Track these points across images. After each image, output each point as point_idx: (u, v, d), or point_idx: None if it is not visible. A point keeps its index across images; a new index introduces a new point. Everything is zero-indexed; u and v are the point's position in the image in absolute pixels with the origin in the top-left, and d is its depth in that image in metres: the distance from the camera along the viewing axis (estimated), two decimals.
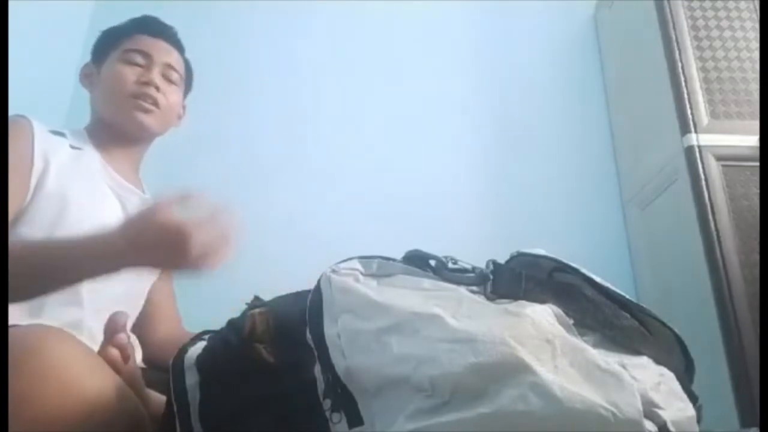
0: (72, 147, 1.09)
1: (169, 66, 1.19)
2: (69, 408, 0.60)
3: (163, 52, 1.19)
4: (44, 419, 0.58)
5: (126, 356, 0.74)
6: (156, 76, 1.16)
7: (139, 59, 1.16)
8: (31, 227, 0.96)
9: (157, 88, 1.15)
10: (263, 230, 1.97)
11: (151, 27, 1.21)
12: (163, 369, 0.72)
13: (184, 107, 1.28)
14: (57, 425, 0.59)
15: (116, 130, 1.17)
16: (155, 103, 1.15)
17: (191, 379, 0.63)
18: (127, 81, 1.14)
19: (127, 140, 1.19)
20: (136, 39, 1.18)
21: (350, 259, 0.66)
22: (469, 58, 2.29)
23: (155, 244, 0.74)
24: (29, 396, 0.58)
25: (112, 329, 0.75)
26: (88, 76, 1.21)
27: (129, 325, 1.02)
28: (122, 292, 1.07)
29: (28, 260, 0.79)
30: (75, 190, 1.03)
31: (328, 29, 2.28)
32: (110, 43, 1.19)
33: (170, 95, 1.19)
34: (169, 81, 1.19)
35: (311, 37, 2.27)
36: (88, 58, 1.25)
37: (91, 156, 1.13)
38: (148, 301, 1.19)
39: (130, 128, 1.16)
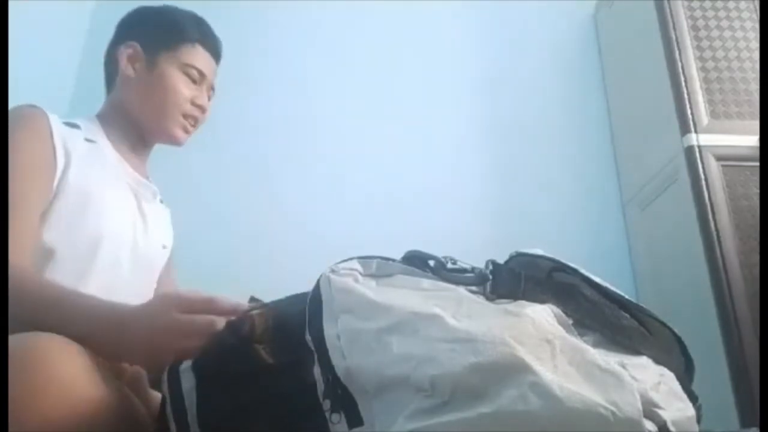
0: (87, 140, 1.06)
1: (212, 85, 1.20)
2: (71, 418, 0.60)
3: (213, 72, 1.19)
4: (47, 424, 0.58)
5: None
6: (207, 99, 1.17)
7: (196, 75, 1.14)
8: (57, 223, 0.94)
9: (204, 111, 1.16)
10: (263, 230, 1.98)
11: (210, 42, 1.19)
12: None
13: None
14: (60, 430, 0.59)
15: (144, 130, 1.15)
16: (196, 123, 1.17)
17: (187, 383, 0.63)
18: (184, 96, 1.12)
19: (149, 142, 1.18)
20: (198, 53, 1.15)
21: (349, 259, 0.66)
22: (470, 58, 2.29)
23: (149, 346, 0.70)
24: (33, 399, 0.58)
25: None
26: (132, 59, 1.13)
27: None
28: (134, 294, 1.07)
29: (26, 298, 0.77)
30: (95, 186, 1.01)
31: (331, 30, 2.28)
32: (169, 41, 1.14)
33: (208, 112, 1.19)
34: (209, 99, 1.20)
35: (314, 38, 2.27)
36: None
37: (106, 149, 1.09)
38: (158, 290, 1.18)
39: (162, 137, 1.16)
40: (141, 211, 1.11)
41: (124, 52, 1.13)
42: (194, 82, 1.14)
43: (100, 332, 0.71)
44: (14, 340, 0.62)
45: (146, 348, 0.70)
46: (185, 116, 1.14)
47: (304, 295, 0.64)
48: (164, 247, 1.18)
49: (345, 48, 2.26)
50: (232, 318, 0.67)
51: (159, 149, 1.24)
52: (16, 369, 0.59)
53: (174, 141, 1.16)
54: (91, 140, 1.07)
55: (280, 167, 2.08)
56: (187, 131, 1.15)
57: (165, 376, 0.64)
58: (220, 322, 0.67)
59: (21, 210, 0.89)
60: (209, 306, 0.69)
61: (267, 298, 0.72)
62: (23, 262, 0.85)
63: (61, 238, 0.94)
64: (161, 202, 1.22)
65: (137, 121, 1.13)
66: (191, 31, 1.16)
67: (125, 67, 1.12)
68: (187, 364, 0.64)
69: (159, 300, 0.73)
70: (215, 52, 1.20)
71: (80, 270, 0.96)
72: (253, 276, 1.76)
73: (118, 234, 1.04)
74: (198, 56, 1.15)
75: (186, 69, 1.13)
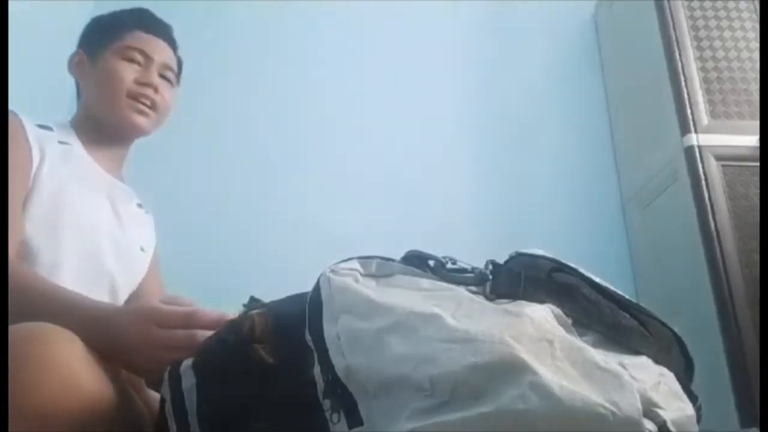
0: (60, 142, 1.07)
1: (166, 65, 1.18)
2: (71, 403, 0.60)
3: (161, 51, 1.18)
4: (47, 411, 0.58)
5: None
6: (154, 76, 1.15)
7: (139, 57, 1.14)
8: (32, 217, 0.96)
9: (156, 90, 1.14)
10: (263, 230, 1.98)
11: (150, 24, 1.19)
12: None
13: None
14: (59, 419, 0.59)
15: (107, 126, 1.15)
16: (153, 106, 1.14)
17: (188, 382, 0.63)
18: (126, 79, 1.12)
19: (116, 138, 1.17)
20: (136, 36, 1.16)
21: (349, 259, 0.66)
22: (470, 58, 2.29)
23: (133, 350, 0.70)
24: (34, 386, 0.58)
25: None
26: (80, 65, 1.17)
27: None
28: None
29: (22, 294, 0.78)
30: (68, 189, 1.02)
31: (330, 28, 2.28)
32: (107, 35, 1.16)
33: (166, 95, 1.17)
34: (165, 80, 1.18)
35: (311, 37, 2.27)
36: None
37: (79, 152, 1.11)
38: (141, 294, 1.18)
39: (123, 128, 1.15)
40: (115, 212, 1.12)
41: (73, 61, 1.18)
42: (138, 64, 1.14)
43: (87, 330, 0.69)
44: (14, 330, 0.62)
45: (125, 357, 0.70)
46: (134, 98, 1.12)
47: (303, 295, 0.64)
48: (142, 249, 1.18)
49: (343, 47, 2.26)
50: (233, 318, 0.67)
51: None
52: (16, 359, 0.59)
53: (134, 127, 1.14)
54: (65, 142, 1.09)
55: (277, 168, 2.08)
56: (142, 113, 1.13)
57: (166, 375, 0.64)
58: (201, 336, 0.67)
59: (6, 207, 0.91)
60: (189, 321, 0.68)
61: (266, 298, 0.72)
62: (11, 257, 0.86)
63: (35, 232, 0.95)
64: (140, 206, 1.22)
65: (99, 119, 1.14)
66: (127, 20, 1.17)
67: (73, 74, 1.18)
68: (187, 363, 0.64)
69: (136, 313, 0.71)
70: (160, 34, 1.19)
71: (54, 262, 0.97)
72: (253, 275, 1.76)
73: (94, 227, 1.05)
74: (137, 39, 1.15)
75: (125, 53, 1.13)
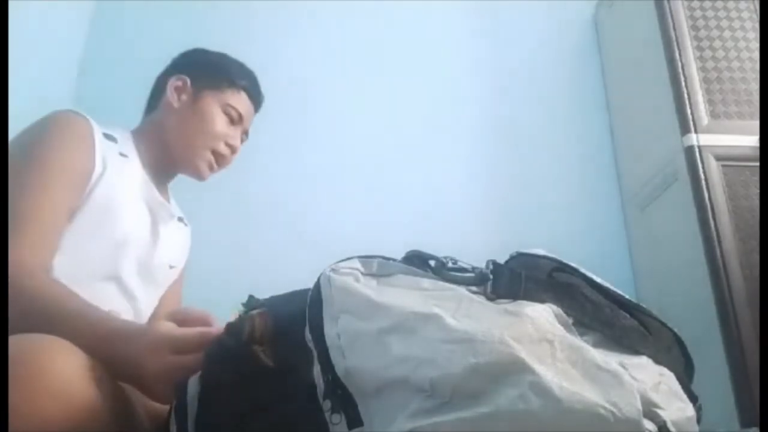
0: (120, 154, 1.08)
1: (247, 131, 1.24)
2: (70, 419, 0.60)
3: (250, 121, 1.23)
4: (42, 425, 0.58)
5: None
6: (239, 141, 1.20)
7: (235, 118, 1.18)
8: (77, 228, 0.96)
9: (234, 152, 1.19)
10: (263, 230, 1.98)
11: (255, 95, 1.23)
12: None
13: None
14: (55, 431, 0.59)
15: (173, 158, 1.17)
16: (223, 165, 1.19)
17: (192, 390, 0.63)
18: (219, 132, 1.15)
19: (175, 169, 1.21)
20: (241, 98, 1.19)
21: (350, 258, 0.66)
22: (470, 58, 2.29)
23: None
24: (31, 406, 0.58)
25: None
26: (180, 89, 1.18)
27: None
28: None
29: (37, 305, 0.78)
30: (117, 200, 1.03)
31: (329, 29, 2.28)
32: (217, 81, 1.18)
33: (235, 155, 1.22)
34: (241, 141, 1.23)
35: (313, 37, 2.27)
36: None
37: (135, 167, 1.12)
38: (160, 305, 1.19)
39: (188, 169, 1.18)
40: (154, 230, 1.13)
41: (174, 83, 1.18)
42: (232, 122, 1.18)
43: (105, 351, 0.70)
44: (14, 342, 0.62)
45: (142, 383, 0.71)
46: (214, 152, 1.16)
47: (302, 292, 0.64)
48: (171, 267, 1.20)
49: (346, 48, 2.26)
50: (234, 321, 0.67)
51: None
52: (16, 370, 0.59)
53: (197, 174, 1.18)
54: (124, 155, 1.09)
55: (279, 167, 2.07)
56: (212, 168, 1.18)
57: (173, 386, 0.64)
58: None
59: (38, 217, 0.90)
60: (203, 343, 0.69)
61: (266, 296, 0.72)
62: (40, 261, 0.87)
63: (76, 243, 0.95)
64: (180, 220, 1.24)
65: (169, 146, 1.16)
66: (240, 78, 1.21)
67: (171, 95, 1.17)
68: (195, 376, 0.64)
69: (151, 342, 0.71)
70: (257, 103, 1.24)
71: (84, 275, 0.96)
72: (253, 275, 1.76)
73: (128, 245, 1.06)
74: (241, 101, 1.20)
75: (227, 109, 1.17)
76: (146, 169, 1.14)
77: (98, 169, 1.00)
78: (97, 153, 1.01)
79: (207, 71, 1.20)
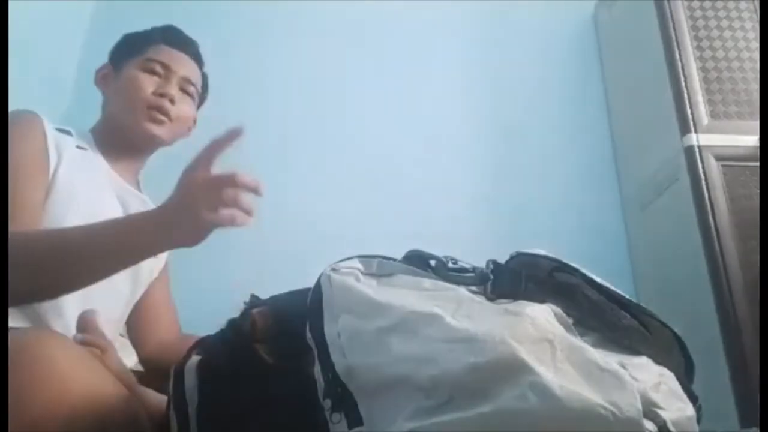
0: (78, 147, 1.09)
1: (187, 79, 1.20)
2: (68, 410, 0.60)
3: (182, 65, 1.20)
4: (43, 421, 0.59)
5: (101, 349, 0.78)
6: (173, 88, 1.17)
7: (159, 69, 1.17)
8: (47, 221, 0.97)
9: (172, 101, 1.16)
10: (263, 229, 1.97)
11: (174, 39, 1.22)
12: (160, 375, 0.73)
13: (195, 120, 1.28)
14: (56, 427, 0.59)
15: (125, 135, 1.17)
16: (168, 115, 1.16)
17: (190, 382, 0.63)
18: (145, 89, 1.14)
19: (134, 147, 1.19)
20: (160, 49, 1.19)
21: (350, 258, 0.66)
22: (469, 58, 2.29)
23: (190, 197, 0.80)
24: (29, 398, 0.59)
25: (81, 328, 0.79)
26: (105, 77, 1.21)
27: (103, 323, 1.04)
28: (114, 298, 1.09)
29: (62, 248, 0.82)
30: (81, 189, 1.04)
31: (330, 29, 2.28)
32: (133, 49, 1.19)
33: (184, 108, 1.19)
34: (185, 93, 1.20)
35: (312, 36, 2.27)
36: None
37: (97, 158, 1.13)
38: (146, 307, 1.19)
39: (139, 136, 1.17)
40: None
41: (100, 74, 1.22)
42: (159, 76, 1.16)
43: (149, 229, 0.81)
44: (14, 335, 0.63)
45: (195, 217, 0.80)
46: (150, 107, 1.14)
47: (305, 291, 0.65)
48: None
49: (342, 45, 2.26)
50: (235, 318, 0.68)
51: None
52: (15, 364, 0.59)
53: (149, 136, 1.16)
54: (82, 147, 1.11)
55: (279, 166, 2.07)
56: (157, 122, 1.15)
57: (171, 374, 0.64)
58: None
59: (23, 205, 0.92)
60: (233, 183, 0.84)
61: (267, 296, 0.72)
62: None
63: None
64: None
65: (118, 128, 1.17)
66: (153, 35, 1.21)
67: (99, 86, 1.21)
68: (192, 364, 0.64)
69: (174, 191, 0.82)
70: (184, 49, 1.22)
71: None
72: (253, 275, 1.76)
73: None
74: (160, 52, 1.18)
75: (146, 64, 1.17)
76: (110, 161, 1.15)
77: (53, 160, 1.01)
78: (50, 145, 1.02)
79: (122, 48, 1.22)
